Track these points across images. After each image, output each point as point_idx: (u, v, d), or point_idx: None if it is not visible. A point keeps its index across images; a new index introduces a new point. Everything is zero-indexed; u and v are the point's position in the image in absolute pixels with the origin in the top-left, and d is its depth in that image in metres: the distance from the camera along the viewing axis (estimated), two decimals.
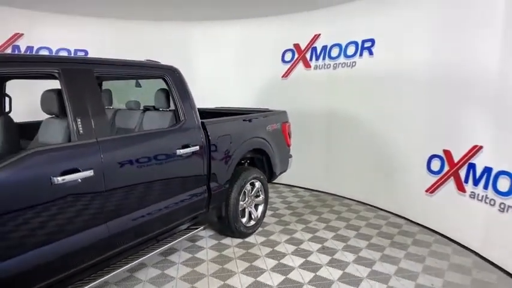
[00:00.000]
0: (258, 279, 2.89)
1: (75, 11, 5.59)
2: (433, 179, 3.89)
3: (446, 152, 3.71)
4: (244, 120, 3.64)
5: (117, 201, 2.27)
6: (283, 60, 5.73)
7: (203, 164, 2.99)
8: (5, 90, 3.00)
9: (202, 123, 3.04)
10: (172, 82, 2.88)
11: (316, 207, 4.76)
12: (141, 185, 2.44)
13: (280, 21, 5.61)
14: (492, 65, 3.14)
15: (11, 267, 1.75)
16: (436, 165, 3.86)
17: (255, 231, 3.83)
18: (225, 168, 3.27)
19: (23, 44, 5.55)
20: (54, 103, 2.21)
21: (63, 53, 5.87)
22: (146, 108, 3.35)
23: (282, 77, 5.73)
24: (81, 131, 2.09)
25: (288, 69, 5.67)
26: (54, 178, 1.89)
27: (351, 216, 4.40)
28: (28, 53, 5.61)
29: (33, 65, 2.04)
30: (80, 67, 2.21)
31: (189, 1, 4.97)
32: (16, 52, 5.49)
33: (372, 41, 4.58)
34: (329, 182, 5.34)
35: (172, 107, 3.09)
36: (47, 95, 2.26)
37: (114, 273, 2.41)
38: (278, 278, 2.90)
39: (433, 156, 3.88)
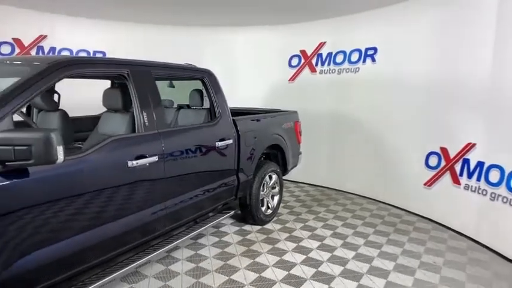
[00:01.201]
0: (283, 257, 3.28)
1: (94, 15, 5.90)
2: (431, 173, 4.36)
3: (443, 149, 4.18)
4: (264, 118, 4.04)
5: (173, 184, 2.64)
6: (290, 65, 6.16)
7: (234, 156, 3.38)
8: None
9: (233, 119, 3.43)
10: (209, 83, 3.27)
11: (322, 200, 5.18)
12: (190, 170, 2.81)
13: (288, 29, 6.04)
14: (484, 72, 3.62)
15: (98, 236, 2.11)
16: (433, 161, 4.33)
17: (271, 219, 4.23)
18: (251, 160, 3.66)
19: (46, 45, 5.85)
20: (118, 99, 2.58)
21: (83, 54, 6.19)
22: (180, 107, 3.71)
23: (289, 80, 6.16)
24: (146, 123, 2.46)
25: (295, 74, 6.10)
26: (129, 162, 2.26)
27: (355, 208, 4.83)
28: (51, 53, 5.91)
29: (109, 67, 2.41)
30: (143, 69, 2.59)
31: (202, 8, 5.34)
32: (40, 53, 5.80)
33: (375, 49, 5.05)
34: (332, 178, 5.77)
35: (204, 105, 3.47)
36: (110, 92, 2.62)
37: (156, 253, 2.75)
38: (300, 257, 3.30)
39: (431, 153, 4.35)
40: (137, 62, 2.60)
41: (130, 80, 2.46)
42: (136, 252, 2.65)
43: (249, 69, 6.33)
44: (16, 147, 1.60)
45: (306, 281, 2.87)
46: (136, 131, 2.47)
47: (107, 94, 2.64)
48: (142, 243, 2.52)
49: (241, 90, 6.40)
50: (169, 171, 2.57)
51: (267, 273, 2.98)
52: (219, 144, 3.12)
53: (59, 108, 3.13)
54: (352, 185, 5.52)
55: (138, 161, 2.30)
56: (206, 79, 3.26)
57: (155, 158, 2.43)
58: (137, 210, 2.38)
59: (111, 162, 2.17)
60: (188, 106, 3.68)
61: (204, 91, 3.49)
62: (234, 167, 3.43)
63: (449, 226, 4.13)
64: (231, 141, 3.28)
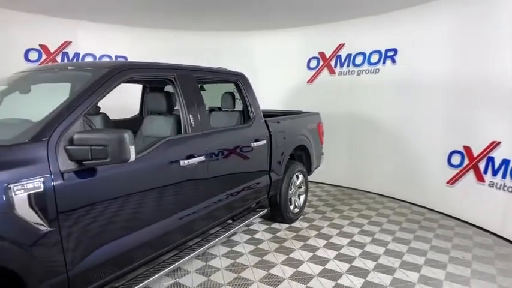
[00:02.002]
0: (316, 253, 3.39)
1: (116, 21, 6.07)
2: (454, 171, 4.44)
3: (466, 148, 4.26)
4: (292, 119, 4.16)
5: (216, 183, 2.77)
6: (308, 67, 6.28)
7: (267, 156, 3.50)
8: None
9: (265, 121, 3.55)
10: (243, 85, 3.40)
11: (344, 199, 5.27)
12: (229, 169, 2.94)
13: (307, 31, 6.16)
14: (507, 70, 3.71)
15: (158, 231, 2.25)
16: (456, 159, 4.41)
17: (298, 218, 4.34)
18: (281, 160, 3.78)
19: (71, 51, 6.02)
20: (163, 103, 2.71)
21: (106, 59, 6.36)
22: (211, 109, 3.84)
23: (308, 82, 6.27)
24: (193, 125, 2.59)
25: (313, 75, 6.21)
26: (182, 161, 2.39)
27: (378, 207, 4.92)
28: (75, 59, 6.09)
29: (158, 71, 2.54)
30: (187, 73, 2.72)
31: (222, 13, 5.48)
32: (65, 58, 5.97)
33: (395, 50, 5.14)
34: (352, 178, 5.86)
35: (236, 108, 3.60)
36: (154, 96, 2.76)
37: (198, 251, 2.87)
38: (332, 253, 3.40)
39: (454, 151, 4.43)
40: (182, 67, 2.73)
41: (177, 84, 2.59)
42: (180, 250, 2.77)
43: (268, 71, 6.44)
44: (92, 147, 1.73)
45: (342, 275, 2.97)
46: (183, 132, 2.59)
47: (151, 98, 2.77)
48: (190, 238, 2.64)
49: (260, 93, 6.48)
50: (212, 171, 2.70)
51: (304, 268, 3.09)
52: (254, 144, 3.25)
53: (100, 111, 3.29)
54: (373, 185, 5.60)
55: (189, 161, 2.43)
56: (240, 82, 3.39)
57: (202, 158, 2.56)
58: (188, 207, 2.51)
59: (167, 162, 2.30)
60: (219, 108, 3.81)
61: (235, 94, 3.62)
62: (267, 166, 3.55)
63: (474, 223, 4.21)
64: (264, 141, 3.40)
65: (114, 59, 6.35)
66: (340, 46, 5.86)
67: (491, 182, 3.97)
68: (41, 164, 1.65)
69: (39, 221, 1.61)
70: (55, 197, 1.67)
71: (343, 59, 5.84)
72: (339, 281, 2.87)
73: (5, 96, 2.71)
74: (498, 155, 3.88)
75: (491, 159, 3.96)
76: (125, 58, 6.43)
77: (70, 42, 5.99)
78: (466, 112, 4.26)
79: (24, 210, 1.56)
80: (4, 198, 1.50)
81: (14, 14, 5.29)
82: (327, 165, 5.61)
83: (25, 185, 1.57)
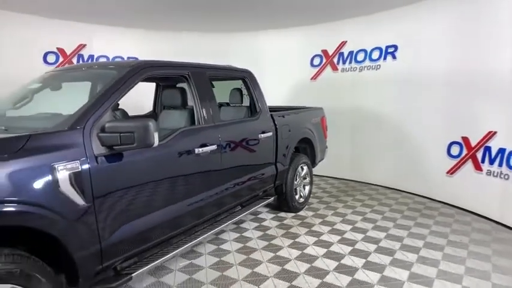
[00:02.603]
0: (320, 238, 3.62)
1: (127, 24, 6.35)
2: (453, 162, 4.63)
3: (465, 139, 4.45)
4: (297, 113, 4.39)
5: (227, 170, 3.01)
6: (312, 65, 6.50)
7: (273, 148, 3.74)
8: None
9: (271, 114, 3.79)
10: (250, 81, 3.64)
11: (347, 191, 5.49)
12: (239, 158, 3.18)
13: (310, 30, 6.38)
14: (503, 64, 3.89)
15: (174, 211, 2.49)
16: (455, 150, 4.60)
17: (303, 207, 4.56)
18: (286, 152, 4.01)
19: (85, 53, 6.33)
20: (178, 98, 2.97)
21: (118, 60, 6.65)
22: (220, 104, 4.09)
23: (311, 79, 6.49)
24: (205, 117, 2.84)
25: (317, 72, 6.43)
26: (196, 149, 2.64)
27: (380, 197, 5.13)
28: (90, 61, 6.39)
29: (174, 69, 2.80)
30: (200, 70, 2.97)
31: (228, 14, 5.72)
32: (81, 60, 6.28)
33: (395, 46, 5.34)
34: (355, 171, 6.07)
35: (244, 103, 3.84)
36: (170, 92, 3.01)
37: (209, 233, 3.08)
38: (336, 237, 3.62)
39: (453, 142, 4.62)
40: (195, 65, 2.98)
41: (191, 80, 2.85)
42: (189, 234, 3.00)
43: (273, 70, 6.67)
44: (122, 134, 1.98)
45: (345, 256, 3.19)
46: (196, 124, 2.84)
47: (167, 94, 3.03)
48: (203, 221, 2.89)
49: (266, 90, 6.72)
50: (224, 159, 2.95)
51: (309, 250, 3.32)
52: (261, 136, 3.49)
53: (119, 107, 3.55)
54: (375, 177, 5.80)
55: (202, 149, 2.67)
56: (247, 78, 3.64)
57: (214, 147, 2.81)
58: (201, 192, 2.76)
59: (183, 149, 2.55)
60: (227, 104, 4.05)
61: (243, 90, 3.86)
62: (273, 157, 3.78)
63: (473, 210, 4.39)
64: (270, 133, 3.64)
65: (126, 59, 6.64)
66: (343, 43, 6.07)
67: (488, 170, 4.16)
68: (78, 148, 1.91)
69: (77, 197, 1.87)
70: (90, 177, 1.92)
71: (345, 56, 6.05)
72: (342, 261, 3.10)
73: (35, 94, 2.99)
74: (494, 145, 4.07)
75: (488, 149, 4.15)
76: (136, 59, 6.71)
77: (85, 45, 6.30)
78: (464, 104, 4.45)
79: (65, 187, 1.82)
80: (50, 176, 1.76)
81: (34, 19, 5.61)
82: (330, 159, 5.82)
83: (66, 166, 1.83)
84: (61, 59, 6.10)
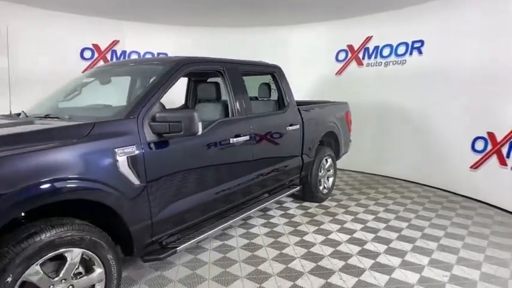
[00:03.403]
0: (344, 226, 3.80)
1: (157, 20, 6.65)
2: (477, 156, 4.68)
3: (490, 134, 4.50)
4: (322, 107, 4.56)
5: (258, 159, 3.24)
6: (337, 59, 6.61)
7: (300, 140, 3.94)
8: None
9: (298, 108, 3.98)
10: (279, 76, 3.85)
11: (370, 184, 5.62)
12: (268, 149, 3.41)
13: (335, 25, 6.49)
14: None
15: (210, 195, 2.75)
16: (480, 145, 4.65)
17: (327, 198, 4.75)
18: (312, 144, 4.20)
19: (118, 49, 6.69)
20: (213, 92, 3.21)
21: (149, 56, 6.99)
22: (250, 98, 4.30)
23: (336, 74, 6.61)
24: (239, 109, 3.07)
25: (342, 67, 6.55)
26: (231, 139, 2.88)
27: (402, 190, 5.24)
28: (122, 57, 6.76)
29: (211, 65, 3.05)
30: (233, 66, 3.21)
31: (255, 10, 5.90)
32: (114, 56, 6.65)
33: (422, 41, 5.40)
34: (378, 165, 6.18)
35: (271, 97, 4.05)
36: (206, 87, 3.26)
37: (236, 218, 3.27)
38: (359, 226, 3.80)
39: (478, 137, 4.68)
40: (229, 60, 3.22)
41: (226, 75, 3.08)
42: (221, 217, 3.24)
43: (298, 64, 6.82)
44: (170, 123, 2.24)
45: (367, 243, 3.37)
46: (230, 116, 3.08)
47: (202, 89, 3.28)
48: (235, 206, 3.14)
49: (290, 84, 6.92)
50: (255, 149, 3.18)
51: (333, 236, 3.52)
52: (289, 128, 3.69)
53: None
54: (398, 171, 5.90)
55: (236, 139, 2.91)
56: (276, 73, 3.84)
57: (247, 137, 3.04)
58: (235, 178, 3.02)
59: (220, 139, 2.80)
60: (256, 98, 4.26)
61: (271, 84, 4.06)
62: (300, 149, 3.98)
63: (496, 205, 4.45)
64: (297, 126, 3.84)
65: (156, 55, 6.98)
66: (368, 39, 6.16)
67: None
68: (133, 135, 2.18)
69: (134, 177, 2.14)
70: (144, 160, 2.20)
71: (371, 51, 6.14)
72: (365, 247, 3.28)
73: (83, 87, 3.32)
74: None
75: None
76: (166, 55, 7.03)
77: (118, 41, 6.66)
78: (490, 99, 4.49)
79: (124, 168, 2.09)
80: (112, 159, 2.04)
81: (71, 17, 5.99)
82: (353, 153, 5.94)
83: (125, 150, 2.10)
84: (96, 55, 6.48)
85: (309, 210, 4.31)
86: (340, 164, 6.22)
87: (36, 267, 1.76)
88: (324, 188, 4.68)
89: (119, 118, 2.23)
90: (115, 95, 3.21)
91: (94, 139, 2.01)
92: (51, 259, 1.84)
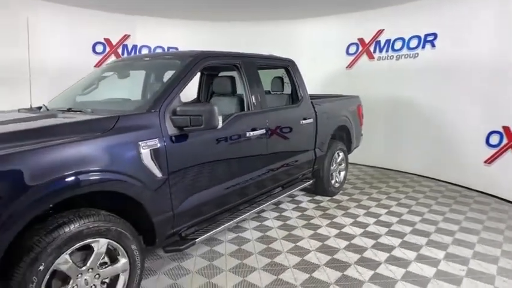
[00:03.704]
0: (357, 219, 3.82)
1: (167, 14, 6.66)
2: (492, 151, 4.66)
3: (505, 128, 4.46)
4: (335, 101, 4.56)
5: (273, 153, 3.27)
6: (347, 53, 6.58)
7: (313, 134, 3.95)
8: None
9: (311, 102, 3.98)
10: (292, 70, 3.85)
11: (381, 178, 5.62)
12: (283, 142, 3.43)
13: (346, 18, 6.45)
14: None
15: (227, 188, 2.79)
16: (494, 139, 4.62)
17: (339, 192, 4.76)
18: (324, 138, 4.20)
19: (129, 44, 6.72)
20: (228, 86, 3.23)
21: (159, 50, 7.02)
22: None
23: (347, 67, 6.58)
24: (255, 103, 3.09)
25: (352, 61, 6.51)
26: (248, 132, 2.90)
27: (414, 185, 5.23)
28: (133, 51, 6.79)
29: (228, 59, 3.06)
30: (249, 60, 3.22)
31: (266, 3, 5.87)
32: (125, 51, 6.68)
33: (435, 34, 5.34)
34: (389, 159, 6.16)
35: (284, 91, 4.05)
36: (221, 80, 3.28)
37: (251, 211, 3.31)
38: (372, 219, 3.82)
39: (492, 132, 4.64)
40: (245, 54, 3.23)
41: (242, 69, 3.10)
42: (234, 211, 3.28)
43: (309, 58, 6.77)
44: (191, 117, 2.27)
45: (381, 236, 3.39)
46: (246, 110, 3.10)
47: (218, 83, 3.30)
48: (250, 199, 3.17)
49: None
50: (270, 142, 3.20)
51: (346, 230, 3.54)
52: (303, 122, 3.70)
53: None
54: (409, 165, 5.89)
55: (253, 132, 2.94)
56: (290, 67, 3.84)
57: (263, 131, 3.06)
58: (250, 171, 3.04)
59: (237, 132, 2.82)
60: (268, 92, 4.27)
61: (284, 78, 4.07)
62: (313, 142, 3.99)
63: (510, 200, 4.43)
64: (311, 120, 3.85)
65: (166, 49, 7.00)
66: (380, 32, 6.11)
67: None
68: (155, 129, 2.22)
69: (156, 170, 2.18)
70: (166, 153, 2.23)
71: (382, 45, 6.09)
72: (379, 240, 3.30)
73: (100, 81, 3.35)
74: None
75: None
76: (176, 49, 7.06)
77: (129, 36, 6.69)
78: (505, 93, 4.45)
79: (147, 161, 2.13)
80: (136, 151, 2.08)
81: (82, 12, 6.02)
82: (364, 147, 5.94)
83: (148, 143, 2.14)
84: (108, 49, 6.53)
85: (321, 204, 4.33)
86: (350, 158, 6.22)
87: (65, 256, 1.81)
88: (336, 181, 4.70)
89: (141, 112, 2.26)
90: (134, 89, 3.25)
91: (119, 132, 2.05)
92: (78, 249, 1.88)
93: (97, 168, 1.89)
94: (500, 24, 4.44)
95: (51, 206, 1.88)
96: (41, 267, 1.70)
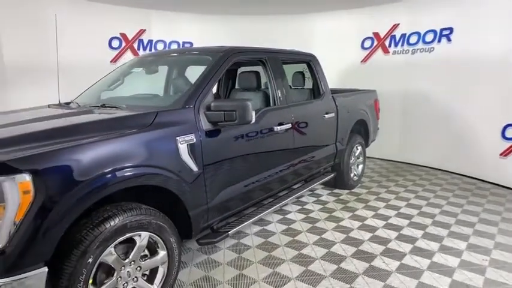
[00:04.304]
0: (378, 212, 3.88)
1: (182, 9, 6.68)
2: (508, 144, 4.68)
3: None
4: (354, 95, 4.60)
5: (299, 146, 3.32)
6: (362, 47, 6.58)
7: (335, 127, 4.00)
8: None
9: (332, 96, 4.02)
10: (314, 64, 3.89)
11: (397, 171, 5.66)
12: (307, 136, 3.49)
13: (361, 13, 6.43)
14: None
15: (255, 181, 2.85)
16: (510, 132, 4.64)
17: (357, 185, 4.82)
18: (345, 132, 4.25)
19: (145, 38, 6.76)
20: (253, 80, 3.27)
21: (174, 45, 7.06)
22: None
23: (361, 61, 6.59)
24: (280, 98, 3.14)
25: (367, 55, 6.51)
26: (275, 127, 2.96)
27: (430, 177, 5.27)
28: (149, 45, 6.83)
29: (255, 54, 3.11)
30: (274, 55, 3.26)
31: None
32: (141, 46, 6.73)
33: (451, 29, 5.33)
34: (405, 152, 6.19)
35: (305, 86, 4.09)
36: (246, 75, 3.33)
37: (276, 206, 3.36)
38: (392, 212, 3.87)
39: (508, 125, 4.65)
40: (271, 50, 3.27)
41: (268, 64, 3.14)
42: (260, 205, 3.34)
43: (323, 52, 6.74)
44: (225, 112, 2.32)
45: (403, 228, 3.45)
46: (271, 105, 3.15)
47: (243, 77, 3.35)
48: (279, 190, 3.24)
49: None
50: (295, 136, 3.25)
51: (369, 222, 3.60)
52: (325, 116, 3.75)
53: None
54: (425, 159, 5.91)
55: (280, 127, 2.99)
56: (312, 62, 3.88)
57: (289, 125, 3.12)
58: (278, 165, 3.11)
59: (265, 127, 2.88)
60: (289, 87, 4.31)
61: (305, 73, 4.10)
62: (334, 136, 4.04)
63: None
64: (333, 114, 3.89)
65: (181, 44, 7.04)
66: (395, 26, 6.10)
67: None
68: (191, 124, 2.28)
69: (193, 164, 2.25)
70: (201, 148, 2.29)
71: (397, 39, 6.08)
72: (402, 232, 3.36)
73: (125, 77, 3.41)
74: None
75: None
76: (191, 43, 7.10)
77: (144, 30, 6.72)
78: None
79: (185, 156, 2.20)
80: (174, 146, 2.14)
81: (99, 6, 6.06)
82: (380, 141, 5.97)
83: (185, 138, 2.20)
84: (124, 44, 6.57)
85: (341, 197, 4.39)
86: (367, 152, 6.26)
87: (111, 249, 1.88)
88: (354, 175, 4.75)
89: (176, 107, 2.32)
90: (158, 84, 3.31)
91: (158, 127, 2.12)
92: (121, 242, 1.95)
93: (140, 163, 1.96)
94: None
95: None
96: (90, 260, 1.76)
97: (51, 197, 1.61)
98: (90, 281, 1.80)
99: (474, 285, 2.50)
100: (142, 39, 6.74)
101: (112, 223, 1.86)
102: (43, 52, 5.31)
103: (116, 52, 6.46)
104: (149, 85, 3.37)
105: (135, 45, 6.68)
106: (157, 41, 6.90)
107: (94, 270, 1.81)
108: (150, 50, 6.87)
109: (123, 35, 6.55)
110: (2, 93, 5.28)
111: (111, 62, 6.39)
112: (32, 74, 5.42)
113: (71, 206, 1.69)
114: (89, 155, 1.77)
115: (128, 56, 6.52)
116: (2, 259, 1.49)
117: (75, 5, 5.84)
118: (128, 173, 1.90)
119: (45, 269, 1.61)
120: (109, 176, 1.83)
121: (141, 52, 6.71)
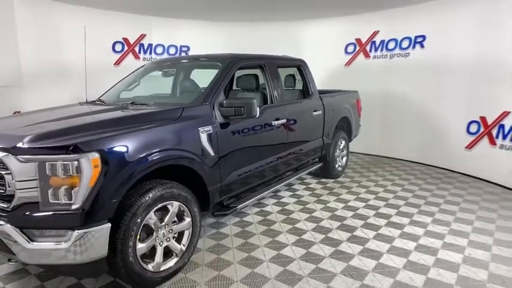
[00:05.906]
0: (359, 196, 4.51)
1: (180, 15, 7.18)
2: (471, 138, 5.39)
3: (482, 118, 5.19)
4: (339, 95, 5.22)
5: (292, 139, 3.91)
6: (346, 52, 7.23)
7: (322, 123, 4.61)
8: None
9: (320, 96, 4.63)
10: (304, 69, 4.49)
11: (377, 164, 6.32)
12: (300, 130, 4.08)
13: (345, 20, 7.09)
14: None
15: (258, 166, 3.43)
16: (474, 128, 5.35)
17: (341, 175, 5.45)
18: (331, 127, 4.87)
19: (145, 43, 7.25)
20: (253, 83, 3.85)
21: (172, 49, 7.57)
22: None
23: (345, 65, 7.24)
24: (277, 98, 3.73)
25: (350, 59, 7.17)
26: (272, 122, 3.54)
27: (406, 168, 5.95)
28: (149, 50, 7.32)
29: (255, 60, 3.68)
30: (271, 61, 3.85)
31: (272, 6, 6.44)
32: (141, 49, 7.21)
33: (424, 36, 6.03)
34: (384, 147, 6.87)
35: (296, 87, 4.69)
36: (246, 78, 3.90)
37: (273, 188, 3.96)
38: (371, 196, 4.51)
39: (472, 121, 5.37)
40: (268, 56, 3.86)
41: (266, 68, 3.72)
42: (253, 191, 3.88)
43: (312, 56, 7.37)
44: (235, 108, 2.89)
45: (380, 208, 4.08)
46: (269, 103, 3.73)
47: (244, 80, 3.91)
48: (269, 179, 3.82)
49: None
50: (290, 130, 3.84)
51: (351, 203, 4.23)
52: (314, 113, 4.35)
53: None
54: (402, 152, 6.61)
55: (277, 122, 3.58)
56: (302, 66, 4.48)
57: (284, 120, 3.70)
58: (274, 155, 3.68)
59: (265, 121, 3.46)
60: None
61: (295, 76, 4.70)
62: (321, 131, 4.65)
63: (487, 179, 5.18)
64: (320, 112, 4.50)
65: (179, 48, 7.56)
66: (375, 33, 6.77)
67: (501, 144, 4.92)
68: (209, 117, 2.84)
69: (210, 150, 2.80)
70: (217, 137, 2.85)
71: (377, 45, 6.76)
72: (379, 211, 3.99)
73: (140, 78, 3.94)
74: (508, 123, 4.82)
75: (502, 126, 4.89)
76: (188, 48, 7.63)
77: (145, 35, 7.21)
78: (483, 89, 5.17)
79: (204, 143, 2.75)
80: (197, 135, 2.70)
81: (101, 13, 6.52)
82: (361, 137, 6.62)
83: (204, 128, 2.76)
84: (126, 48, 7.04)
85: (328, 185, 5.01)
86: (349, 147, 6.91)
87: (152, 213, 2.41)
88: (339, 166, 5.37)
89: (197, 104, 2.87)
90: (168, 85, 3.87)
91: (185, 120, 2.67)
92: (157, 210, 2.48)
93: (174, 147, 2.51)
94: (481, 28, 5.13)
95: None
96: (138, 220, 2.30)
97: (112, 170, 2.13)
98: (138, 237, 2.33)
99: (434, 249, 3.13)
100: (143, 43, 7.22)
101: (153, 193, 2.38)
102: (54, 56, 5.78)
103: (119, 55, 6.93)
104: (166, 86, 3.90)
105: (136, 49, 7.16)
106: (156, 45, 7.39)
107: (140, 229, 2.34)
108: (150, 53, 7.36)
109: (126, 39, 7.02)
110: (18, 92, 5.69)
111: (114, 64, 6.85)
112: (45, 77, 5.86)
113: (127, 177, 2.21)
114: (138, 140, 2.30)
115: (130, 59, 7.02)
116: (82, 214, 2.01)
117: (81, 12, 6.28)
118: (165, 153, 2.44)
119: (109, 224, 2.14)
120: (153, 155, 2.36)
121: (141, 55, 7.19)
